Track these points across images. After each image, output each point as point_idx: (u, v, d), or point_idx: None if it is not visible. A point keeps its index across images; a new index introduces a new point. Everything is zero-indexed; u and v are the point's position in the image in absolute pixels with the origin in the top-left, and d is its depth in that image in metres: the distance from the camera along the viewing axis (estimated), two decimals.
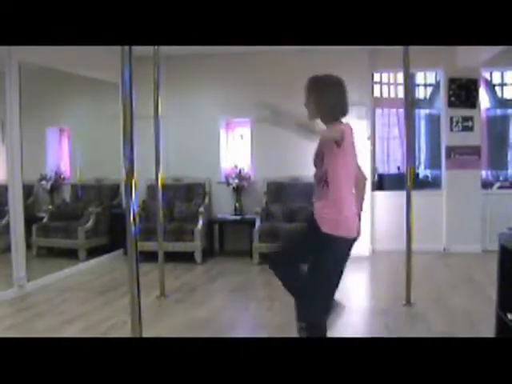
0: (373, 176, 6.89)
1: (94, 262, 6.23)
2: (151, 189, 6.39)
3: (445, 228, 6.68)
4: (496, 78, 8.50)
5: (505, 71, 8.34)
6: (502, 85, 8.58)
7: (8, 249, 4.96)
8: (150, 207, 6.30)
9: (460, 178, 6.60)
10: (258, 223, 6.26)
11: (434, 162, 7.99)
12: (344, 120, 2.73)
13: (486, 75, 8.01)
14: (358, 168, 2.85)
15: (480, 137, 6.73)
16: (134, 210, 2.52)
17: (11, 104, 4.87)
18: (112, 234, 6.55)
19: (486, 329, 3.31)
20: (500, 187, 6.91)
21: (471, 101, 6.57)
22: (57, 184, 6.73)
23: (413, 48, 4.30)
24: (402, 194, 4.54)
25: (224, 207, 6.92)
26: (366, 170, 6.58)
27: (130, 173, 2.51)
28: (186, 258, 6.23)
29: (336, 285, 2.73)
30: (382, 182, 7.10)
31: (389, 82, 9.34)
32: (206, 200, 6.81)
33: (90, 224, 6.36)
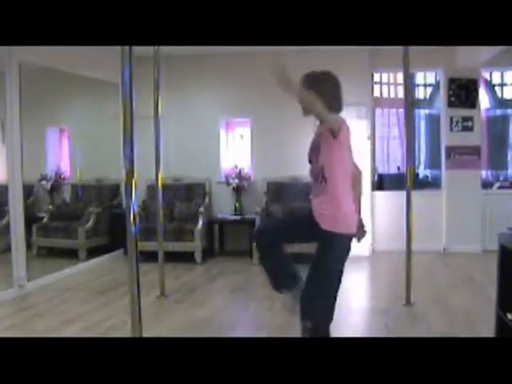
0: (373, 176, 6.89)
1: (94, 261, 6.23)
2: (151, 189, 6.39)
3: (445, 228, 6.68)
4: (496, 78, 8.49)
5: (505, 71, 8.33)
6: (502, 85, 8.58)
7: (8, 249, 4.96)
8: (150, 207, 6.30)
9: (460, 178, 6.60)
10: (257, 223, 6.26)
11: (433, 162, 7.99)
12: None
13: (486, 75, 8.00)
14: (355, 165, 2.86)
15: (480, 137, 6.73)
16: (134, 210, 2.52)
17: (11, 104, 4.87)
18: (112, 234, 6.55)
19: (486, 329, 3.31)
20: (500, 187, 6.91)
21: (471, 101, 6.57)
22: (57, 184, 6.73)
23: (413, 48, 4.30)
24: (402, 194, 4.54)
25: (224, 207, 6.92)
26: (366, 170, 6.63)
27: (130, 173, 2.51)
28: (186, 258, 6.23)
29: (337, 286, 2.72)
30: (381, 182, 7.09)
31: (389, 82, 9.34)
32: (206, 200, 6.81)
33: (90, 224, 6.36)
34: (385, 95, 9.33)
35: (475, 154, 6.61)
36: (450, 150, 6.68)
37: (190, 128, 6.99)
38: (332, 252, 2.64)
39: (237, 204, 6.78)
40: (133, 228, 2.52)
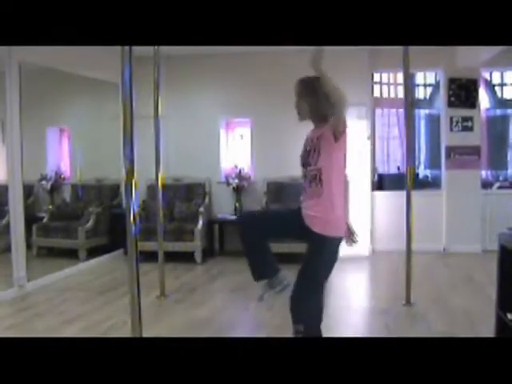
0: (373, 176, 6.89)
1: (94, 261, 6.23)
2: (151, 189, 6.39)
3: (445, 228, 6.68)
4: (496, 78, 8.49)
5: (504, 71, 8.34)
6: (502, 85, 8.58)
7: (8, 249, 4.96)
8: (150, 207, 6.30)
9: (460, 178, 6.60)
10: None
11: (433, 162, 8.00)
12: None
13: (486, 75, 8.01)
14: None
15: (480, 137, 6.73)
16: (134, 210, 2.52)
17: (11, 104, 4.87)
18: (112, 234, 6.55)
19: (486, 329, 3.31)
20: (500, 187, 6.91)
21: (471, 101, 6.57)
22: (57, 184, 6.73)
23: (413, 48, 4.30)
24: (402, 194, 4.55)
25: (224, 207, 6.92)
26: (366, 170, 6.64)
27: (130, 173, 2.51)
28: (186, 258, 6.23)
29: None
30: (381, 182, 7.10)
31: (389, 82, 9.34)
32: (206, 200, 6.81)
33: (90, 224, 6.36)
34: (385, 95, 9.33)
35: (475, 154, 6.61)
36: (450, 150, 6.68)
37: (190, 128, 6.99)
38: (322, 255, 2.66)
39: (237, 204, 6.78)
40: (133, 228, 2.52)
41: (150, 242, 5.57)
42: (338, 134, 2.57)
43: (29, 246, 5.54)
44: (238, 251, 7.08)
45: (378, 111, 8.50)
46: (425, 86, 9.31)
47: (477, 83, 6.59)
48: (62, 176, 6.81)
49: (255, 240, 2.80)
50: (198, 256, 6.27)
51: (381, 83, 9.11)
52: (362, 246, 6.56)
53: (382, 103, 8.97)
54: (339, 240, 2.69)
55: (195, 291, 5.06)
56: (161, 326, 3.96)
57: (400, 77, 7.87)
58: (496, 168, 7.83)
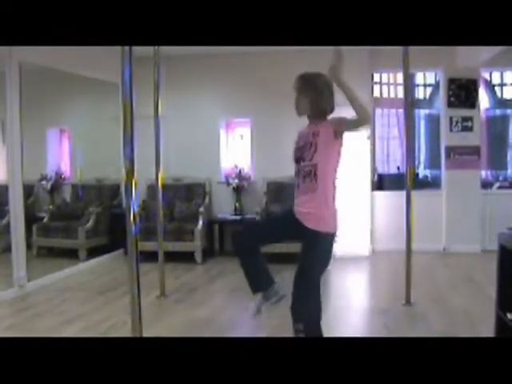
0: (373, 176, 6.89)
1: (94, 261, 6.23)
2: (151, 189, 6.39)
3: (444, 228, 6.68)
4: (495, 78, 8.50)
5: (504, 71, 8.34)
6: (502, 85, 8.58)
7: (8, 249, 4.97)
8: (150, 207, 6.30)
9: (460, 178, 6.60)
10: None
11: (433, 162, 8.00)
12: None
13: (486, 75, 8.01)
14: None
15: (479, 137, 6.73)
16: (134, 210, 2.53)
17: (12, 104, 4.87)
18: (112, 234, 6.55)
19: (486, 329, 3.31)
20: (499, 187, 6.92)
21: (471, 101, 6.57)
22: (57, 184, 6.73)
23: (412, 48, 4.30)
24: (402, 194, 4.55)
25: (224, 207, 6.92)
26: (366, 170, 6.64)
27: (130, 173, 2.52)
28: (186, 257, 6.23)
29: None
30: (381, 182, 7.10)
31: (388, 82, 9.34)
32: (206, 200, 6.81)
33: (90, 224, 6.36)
34: (385, 95, 9.34)
35: (475, 154, 6.61)
36: (450, 150, 6.68)
37: (190, 128, 6.99)
38: (316, 251, 2.68)
39: (237, 204, 6.78)
40: (133, 228, 2.53)
41: (150, 241, 5.57)
42: (339, 133, 2.61)
43: (29, 246, 5.54)
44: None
45: (378, 111, 8.51)
46: (425, 86, 9.32)
47: (476, 83, 6.59)
48: (62, 176, 6.81)
49: (249, 253, 2.82)
50: (198, 256, 6.27)
51: (381, 83, 9.12)
52: (361, 246, 6.57)
53: (381, 103, 8.97)
54: (333, 236, 2.71)
55: (195, 291, 5.06)
56: (161, 325, 3.96)
57: (400, 77, 7.88)
58: (496, 168, 7.84)
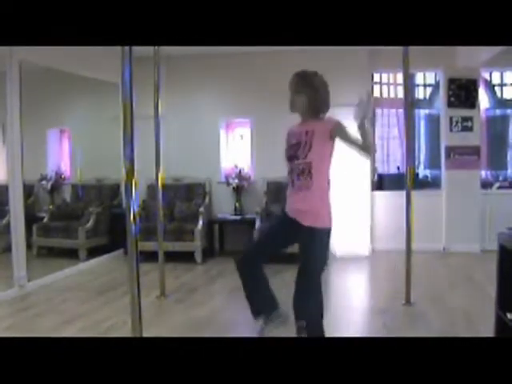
0: (373, 176, 6.89)
1: (94, 261, 6.23)
2: (151, 189, 6.39)
3: (444, 228, 6.68)
4: (495, 79, 8.51)
5: (504, 71, 8.35)
6: (502, 85, 8.59)
7: (8, 249, 4.97)
8: (150, 207, 6.31)
9: (459, 178, 6.60)
10: (257, 223, 6.27)
11: (433, 162, 8.00)
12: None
13: (486, 75, 8.01)
14: None
15: (479, 137, 6.73)
16: (134, 210, 2.53)
17: (12, 104, 4.87)
18: (112, 234, 6.55)
19: (486, 328, 3.31)
20: (499, 187, 6.92)
21: (471, 101, 6.58)
22: (57, 184, 6.74)
23: (412, 48, 4.30)
24: (402, 194, 4.55)
25: (224, 207, 6.92)
26: (366, 170, 6.64)
27: (130, 173, 2.52)
28: (186, 257, 6.23)
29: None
30: (381, 182, 7.11)
31: (388, 83, 9.35)
32: (206, 200, 6.81)
33: (90, 224, 6.36)
34: (385, 95, 9.35)
35: (475, 154, 6.61)
36: (450, 150, 6.68)
37: (190, 128, 6.99)
38: (315, 249, 2.70)
39: (237, 204, 6.79)
40: (133, 228, 2.53)
41: (150, 241, 5.57)
42: (335, 136, 2.68)
43: (29, 246, 5.55)
44: (238, 251, 7.08)
45: (378, 111, 8.51)
46: (425, 86, 9.33)
47: (476, 83, 6.59)
48: (63, 176, 6.81)
49: (251, 277, 2.85)
50: (198, 256, 6.27)
51: (381, 83, 9.13)
52: (361, 246, 6.57)
53: (381, 103, 8.98)
54: (329, 232, 2.74)
55: (195, 291, 5.06)
56: (161, 325, 3.96)
57: (400, 77, 7.88)
58: (496, 168, 7.84)
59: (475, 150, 6.62)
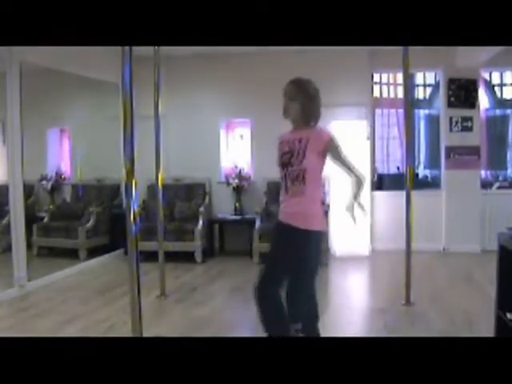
0: (372, 176, 6.89)
1: (94, 261, 6.23)
2: (151, 189, 6.39)
3: (444, 228, 6.68)
4: (495, 79, 8.50)
5: (504, 71, 8.34)
6: (502, 85, 8.58)
7: (9, 248, 4.97)
8: (151, 207, 6.31)
9: (459, 178, 6.60)
10: (257, 223, 6.27)
11: (433, 162, 8.00)
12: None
13: (486, 75, 8.01)
14: None
15: (479, 137, 6.74)
16: (134, 210, 2.53)
17: (12, 104, 4.87)
18: (112, 234, 6.56)
19: (486, 328, 3.31)
20: (499, 187, 6.92)
21: (470, 101, 6.58)
22: (57, 184, 6.74)
23: (412, 48, 4.31)
24: (402, 194, 4.55)
25: (224, 207, 6.92)
26: (366, 170, 6.63)
27: (130, 173, 2.52)
28: (187, 257, 6.24)
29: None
30: (381, 182, 7.11)
31: (388, 83, 9.35)
32: (206, 200, 6.82)
33: (90, 224, 6.36)
34: (385, 95, 9.34)
35: (475, 154, 6.61)
36: (450, 150, 6.68)
37: (190, 128, 7.00)
38: (310, 251, 2.71)
39: (237, 204, 6.79)
40: (133, 228, 2.53)
41: (150, 241, 5.57)
42: (327, 152, 2.74)
43: (29, 246, 5.55)
44: (237, 251, 7.11)
45: (378, 111, 8.50)
46: (424, 86, 9.32)
47: (476, 83, 6.59)
48: (63, 176, 6.81)
49: (267, 304, 2.76)
50: (198, 256, 6.27)
51: (381, 83, 9.12)
52: (361, 246, 6.57)
53: (381, 103, 8.98)
54: (321, 234, 2.78)
55: (195, 291, 5.07)
56: (161, 325, 3.96)
57: (400, 77, 7.88)
58: (495, 168, 7.83)
59: (475, 150, 6.62)
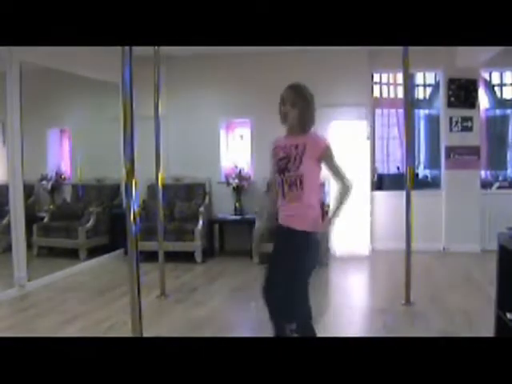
0: (372, 176, 6.90)
1: (94, 261, 6.23)
2: (151, 189, 6.39)
3: (444, 228, 6.68)
4: (495, 79, 8.49)
5: (504, 71, 8.33)
6: (501, 85, 8.58)
7: (9, 248, 4.97)
8: (151, 207, 6.31)
9: (459, 178, 6.60)
10: (257, 223, 6.27)
11: (433, 162, 8.00)
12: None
13: (486, 75, 8.00)
14: None
15: (479, 137, 6.74)
16: (134, 210, 2.53)
17: (12, 104, 4.87)
18: (112, 234, 6.55)
19: (486, 328, 3.31)
20: (499, 187, 6.92)
21: (470, 101, 6.58)
22: (57, 184, 6.74)
23: (412, 48, 4.31)
24: (402, 194, 4.55)
25: (224, 207, 6.92)
26: (366, 170, 6.64)
27: (130, 173, 2.52)
28: (187, 257, 6.24)
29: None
30: (381, 182, 7.11)
31: (388, 83, 9.34)
32: (206, 200, 6.82)
33: (90, 224, 6.36)
34: (384, 95, 9.34)
35: (475, 154, 6.61)
36: (450, 150, 6.68)
37: (190, 128, 7.00)
38: (308, 251, 2.73)
39: (237, 204, 6.79)
40: (133, 228, 2.53)
41: (150, 241, 5.56)
42: (322, 160, 2.76)
43: (29, 246, 5.55)
44: (238, 251, 7.11)
45: (378, 111, 8.50)
46: (424, 86, 9.32)
47: (476, 83, 6.59)
48: (63, 176, 6.81)
49: (272, 304, 2.80)
50: (198, 256, 6.27)
51: (380, 83, 9.11)
52: (361, 246, 6.57)
53: (381, 103, 8.97)
54: (319, 236, 2.81)
55: (195, 291, 5.07)
56: (161, 325, 3.96)
57: (400, 77, 7.87)
58: (495, 168, 7.83)
59: (475, 150, 6.62)
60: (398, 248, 5.09)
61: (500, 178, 7.49)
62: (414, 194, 4.68)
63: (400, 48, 4.41)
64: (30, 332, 3.83)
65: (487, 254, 5.96)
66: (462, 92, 6.56)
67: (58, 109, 6.72)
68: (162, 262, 4.78)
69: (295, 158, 2.73)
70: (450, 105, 6.65)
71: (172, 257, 5.83)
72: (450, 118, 6.64)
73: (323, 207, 2.93)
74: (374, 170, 7.06)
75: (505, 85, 8.56)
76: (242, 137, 7.21)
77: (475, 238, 6.55)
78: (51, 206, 6.64)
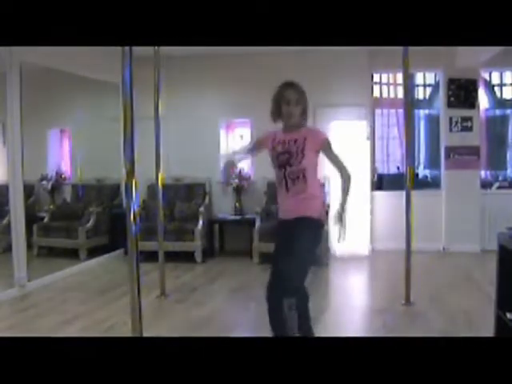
0: (372, 176, 6.90)
1: (94, 261, 6.23)
2: (151, 189, 6.39)
3: (444, 228, 6.68)
4: (495, 79, 8.50)
5: (504, 71, 8.34)
6: (501, 85, 8.58)
7: (9, 249, 4.97)
8: (151, 207, 6.31)
9: (459, 178, 6.60)
10: (257, 223, 6.27)
11: (433, 162, 8.00)
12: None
13: (485, 75, 8.01)
14: None
15: (479, 137, 6.74)
16: (134, 210, 2.53)
17: (12, 104, 4.87)
18: (112, 234, 6.55)
19: (486, 328, 3.31)
20: (499, 187, 6.92)
21: (470, 101, 6.58)
22: (57, 184, 6.74)
23: (412, 48, 4.31)
24: (402, 194, 4.55)
25: (224, 207, 6.93)
26: (366, 170, 6.64)
27: (130, 173, 2.52)
28: (187, 257, 6.24)
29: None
30: (381, 182, 7.11)
31: (388, 83, 9.35)
32: (206, 200, 6.82)
33: (90, 224, 6.36)
34: (384, 95, 9.34)
35: (474, 154, 6.61)
36: (450, 150, 6.69)
37: (190, 128, 6.99)
38: (311, 235, 2.82)
39: (237, 204, 6.79)
40: (133, 228, 2.53)
41: (150, 241, 5.57)
42: (322, 150, 2.88)
43: (29, 246, 5.55)
44: (237, 251, 7.11)
45: (378, 111, 8.50)
46: (424, 86, 9.32)
47: (476, 83, 6.59)
48: (63, 176, 6.81)
49: (275, 308, 2.80)
50: (198, 256, 6.27)
51: (380, 83, 9.12)
52: (361, 246, 6.57)
53: (381, 103, 8.98)
54: (321, 225, 2.92)
55: (195, 291, 5.07)
56: (161, 326, 3.96)
57: (400, 77, 7.88)
58: (495, 168, 7.83)
59: (475, 150, 6.62)
60: (397, 248, 5.09)
61: (500, 178, 7.49)
62: (414, 194, 4.68)
63: (400, 48, 4.41)
64: (30, 332, 3.83)
65: (487, 254, 5.96)
66: (462, 92, 6.56)
67: (58, 109, 6.72)
68: (162, 261, 4.79)
69: (297, 153, 2.81)
70: (449, 105, 6.65)
71: (172, 257, 5.83)
72: (450, 118, 6.64)
73: (324, 205, 2.99)
74: (373, 170, 7.06)
75: (505, 85, 8.57)
76: (241, 137, 7.21)
77: (475, 237, 6.55)
78: (51, 206, 6.64)
